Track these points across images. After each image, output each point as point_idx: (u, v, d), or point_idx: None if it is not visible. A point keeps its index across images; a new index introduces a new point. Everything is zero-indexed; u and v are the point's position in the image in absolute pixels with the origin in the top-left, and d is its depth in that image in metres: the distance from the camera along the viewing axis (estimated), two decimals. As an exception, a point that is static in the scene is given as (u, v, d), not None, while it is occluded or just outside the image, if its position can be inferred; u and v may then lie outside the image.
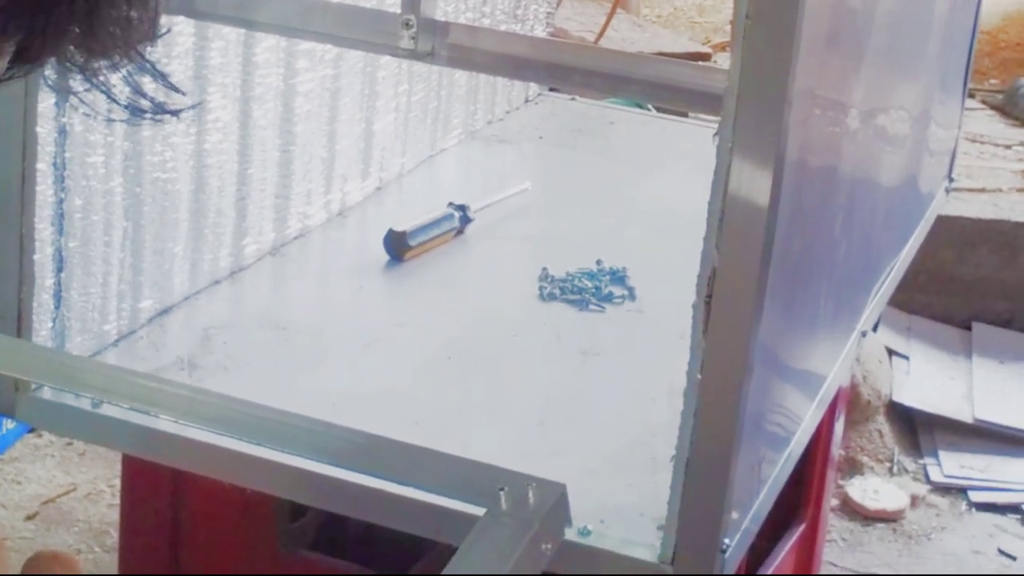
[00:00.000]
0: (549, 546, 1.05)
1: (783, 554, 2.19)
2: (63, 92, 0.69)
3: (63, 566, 0.78)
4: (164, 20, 0.70)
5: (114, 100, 0.69)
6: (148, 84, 0.71)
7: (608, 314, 2.11)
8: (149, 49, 0.69)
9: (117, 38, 0.66)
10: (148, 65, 0.68)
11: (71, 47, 0.66)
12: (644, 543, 1.53)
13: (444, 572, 0.98)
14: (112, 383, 1.45)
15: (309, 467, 1.48)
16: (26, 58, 0.66)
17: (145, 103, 0.70)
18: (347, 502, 1.56)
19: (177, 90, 0.73)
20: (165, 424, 1.59)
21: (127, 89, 0.69)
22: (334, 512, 1.77)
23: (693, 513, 1.47)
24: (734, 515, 1.50)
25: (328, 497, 1.57)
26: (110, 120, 0.74)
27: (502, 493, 1.07)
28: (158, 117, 0.71)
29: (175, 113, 0.73)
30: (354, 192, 2.36)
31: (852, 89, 1.77)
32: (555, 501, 1.08)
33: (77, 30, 0.65)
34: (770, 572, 2.11)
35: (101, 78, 0.67)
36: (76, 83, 0.68)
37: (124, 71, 0.68)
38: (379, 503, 1.51)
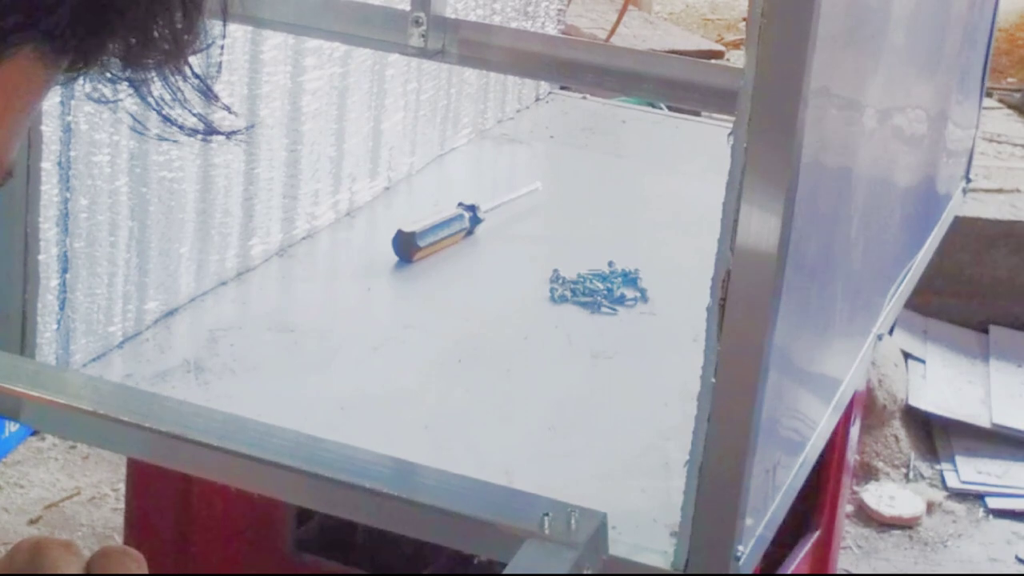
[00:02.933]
0: (590, 571, 1.07)
1: (797, 561, 2.16)
2: (107, 103, 0.68)
3: (136, 562, 0.76)
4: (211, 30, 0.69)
5: (167, 119, 0.68)
6: (155, 81, 0.70)
7: (620, 316, 2.08)
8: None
9: (169, 49, 0.66)
10: (197, 80, 0.67)
11: (122, 59, 0.65)
12: (657, 549, 1.51)
13: None
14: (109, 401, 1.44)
15: (325, 474, 1.45)
16: (76, 68, 0.65)
17: (193, 120, 0.68)
18: (370, 512, 1.51)
19: (228, 109, 0.71)
20: (170, 427, 1.56)
21: (175, 106, 0.68)
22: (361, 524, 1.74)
23: (707, 519, 1.45)
24: (748, 521, 1.48)
25: (350, 506, 1.52)
26: (161, 139, 0.73)
27: (546, 518, 1.09)
28: (209, 138, 0.70)
29: (228, 135, 0.72)
30: (362, 192, 2.33)
31: (868, 88, 1.74)
32: (596, 528, 1.10)
33: (133, 40, 0.64)
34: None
35: (148, 92, 0.67)
36: (116, 94, 0.67)
37: (172, 88, 0.67)
38: (407, 514, 1.47)
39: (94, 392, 1.60)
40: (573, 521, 1.11)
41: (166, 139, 0.72)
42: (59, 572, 0.75)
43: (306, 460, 1.40)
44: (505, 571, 1.06)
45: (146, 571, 0.77)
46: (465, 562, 1.96)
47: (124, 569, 0.77)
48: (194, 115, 0.69)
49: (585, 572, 1.08)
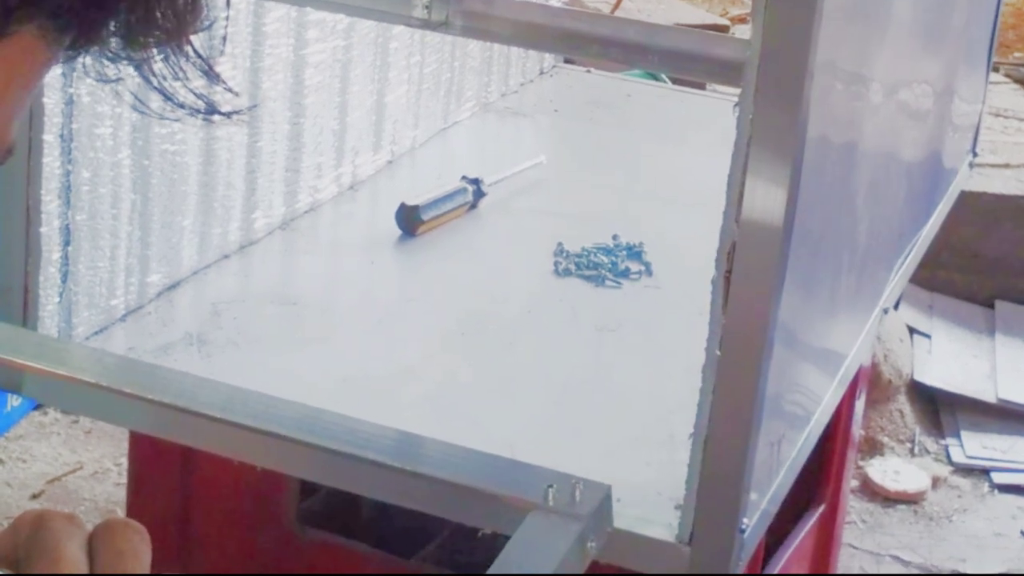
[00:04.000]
0: (594, 544, 1.06)
1: (802, 536, 2.15)
2: (108, 82, 0.67)
3: (139, 534, 0.76)
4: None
5: (167, 96, 0.67)
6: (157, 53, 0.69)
7: (624, 290, 2.07)
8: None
9: (171, 28, 0.65)
10: (199, 59, 0.66)
11: (123, 37, 0.65)
12: (661, 522, 1.50)
13: (493, 567, 0.98)
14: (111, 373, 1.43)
15: (329, 446, 1.44)
16: (78, 47, 0.65)
17: (195, 100, 0.68)
18: (375, 485, 1.50)
19: (229, 88, 0.70)
20: (173, 399, 1.55)
21: (176, 85, 0.67)
22: (365, 496, 1.73)
23: (711, 492, 1.44)
24: (753, 496, 1.47)
25: (353, 478, 1.50)
26: (162, 118, 0.73)
27: (550, 491, 1.08)
28: (210, 117, 0.70)
29: (228, 115, 0.71)
30: (365, 165, 2.32)
31: (874, 62, 1.73)
32: (601, 500, 1.09)
33: (135, 19, 0.64)
34: (788, 553, 2.08)
35: (149, 71, 0.66)
36: (118, 73, 0.67)
37: (173, 67, 0.67)
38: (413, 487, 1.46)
39: (96, 364, 1.60)
40: (577, 493, 1.11)
41: (167, 118, 0.71)
42: (62, 544, 0.74)
43: (309, 432, 1.40)
44: (510, 543, 1.05)
45: (149, 544, 0.77)
46: (469, 536, 1.96)
47: (127, 541, 0.76)
48: (196, 95, 0.68)
49: (590, 544, 1.08)
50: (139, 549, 0.76)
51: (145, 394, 1.50)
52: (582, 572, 1.07)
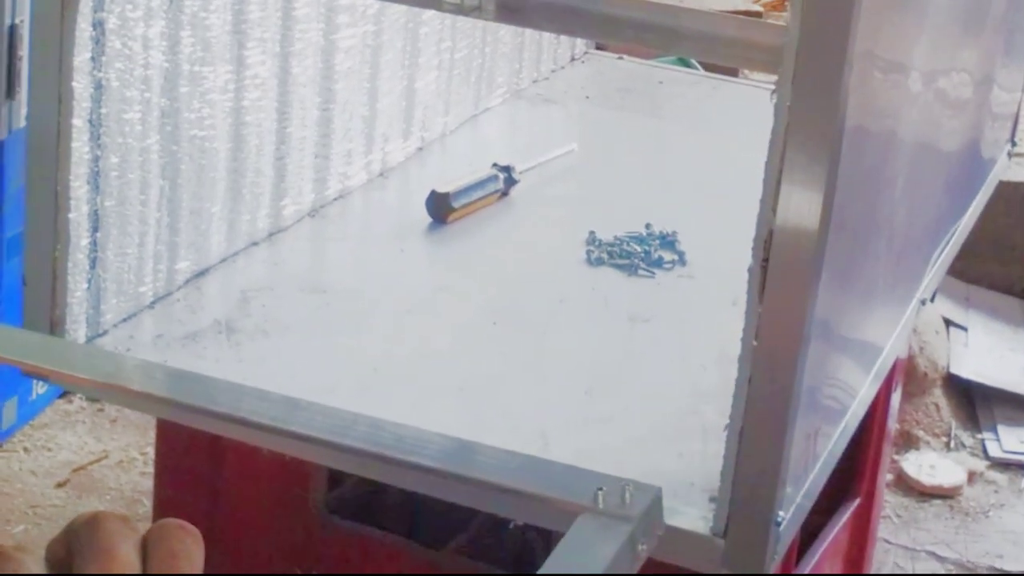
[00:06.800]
0: (644, 547, 1.05)
1: (836, 530, 2.13)
2: None
3: (191, 536, 0.76)
4: None
5: None
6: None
7: (657, 279, 2.05)
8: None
9: None
10: None
11: None
12: (695, 514, 1.49)
13: (543, 568, 0.98)
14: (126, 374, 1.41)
15: (381, 452, 1.42)
16: None
17: None
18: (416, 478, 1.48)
19: None
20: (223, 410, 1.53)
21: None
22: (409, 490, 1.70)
23: (747, 484, 1.42)
24: (788, 489, 1.45)
25: (406, 480, 1.48)
26: None
27: (600, 493, 1.07)
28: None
29: None
30: (395, 152, 2.31)
31: (913, 50, 1.70)
32: (651, 502, 1.08)
33: None
34: (823, 548, 2.05)
35: None
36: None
37: None
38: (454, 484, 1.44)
39: (122, 370, 1.57)
40: (627, 495, 1.09)
41: None
42: (116, 544, 0.74)
43: (363, 440, 1.38)
44: (559, 545, 1.05)
45: (202, 546, 0.77)
46: (499, 527, 1.94)
47: (180, 543, 0.77)
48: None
49: (640, 546, 1.06)
50: (192, 551, 0.77)
51: (188, 400, 1.48)
52: (633, 573, 1.05)
